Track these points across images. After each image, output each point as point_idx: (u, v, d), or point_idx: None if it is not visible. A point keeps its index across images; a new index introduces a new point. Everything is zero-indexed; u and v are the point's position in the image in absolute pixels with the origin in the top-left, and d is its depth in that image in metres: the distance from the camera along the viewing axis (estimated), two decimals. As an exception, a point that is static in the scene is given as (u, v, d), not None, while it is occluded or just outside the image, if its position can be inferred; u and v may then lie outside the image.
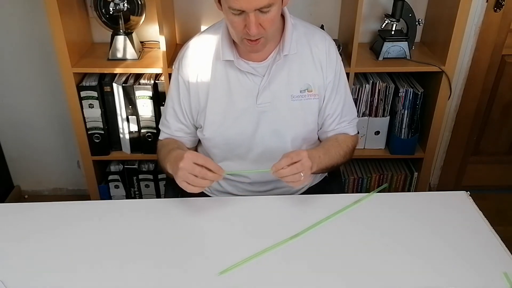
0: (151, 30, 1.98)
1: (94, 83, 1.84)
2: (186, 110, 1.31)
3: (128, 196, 2.15)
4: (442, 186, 2.45)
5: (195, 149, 1.43)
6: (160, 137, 1.38)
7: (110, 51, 1.85)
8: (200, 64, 1.27)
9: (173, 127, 1.34)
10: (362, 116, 1.96)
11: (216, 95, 1.26)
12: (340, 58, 1.33)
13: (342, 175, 2.09)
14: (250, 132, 1.28)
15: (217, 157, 1.34)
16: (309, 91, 1.27)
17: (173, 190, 1.50)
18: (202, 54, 1.27)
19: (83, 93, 1.85)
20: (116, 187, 2.12)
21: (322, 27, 1.89)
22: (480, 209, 1.17)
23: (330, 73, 1.28)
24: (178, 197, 1.43)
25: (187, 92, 1.29)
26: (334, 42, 1.32)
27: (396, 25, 1.89)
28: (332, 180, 1.52)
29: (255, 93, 1.25)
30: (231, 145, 1.30)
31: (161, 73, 1.84)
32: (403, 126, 1.97)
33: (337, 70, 1.30)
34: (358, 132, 1.42)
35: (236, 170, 1.30)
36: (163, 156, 1.27)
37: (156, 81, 1.86)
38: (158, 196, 2.15)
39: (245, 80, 1.25)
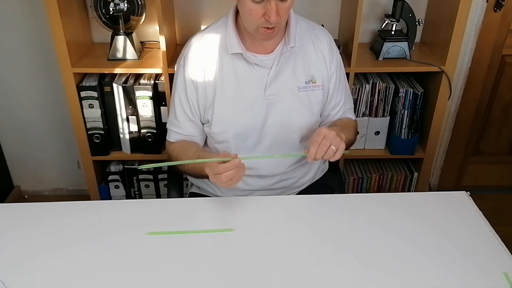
0: (151, 30, 1.98)
1: (94, 83, 1.84)
2: (194, 105, 1.31)
3: (128, 196, 2.15)
4: (442, 186, 2.45)
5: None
6: (171, 139, 1.36)
7: (110, 51, 1.85)
8: (206, 60, 1.28)
9: (184, 126, 1.33)
10: (362, 116, 1.96)
11: (224, 89, 1.27)
12: (339, 51, 1.39)
13: (342, 175, 2.09)
14: (259, 124, 1.30)
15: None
16: (314, 82, 1.31)
17: (176, 191, 1.51)
18: (208, 50, 1.28)
19: (83, 93, 1.85)
20: (116, 187, 2.12)
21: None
22: (480, 209, 1.17)
23: (333, 65, 1.33)
24: (180, 197, 1.43)
25: (194, 88, 1.29)
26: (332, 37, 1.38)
27: (396, 25, 1.89)
28: (332, 175, 1.56)
29: (263, 85, 1.27)
30: (241, 138, 1.31)
31: (161, 73, 1.84)
32: (403, 126, 1.97)
33: (338, 62, 1.36)
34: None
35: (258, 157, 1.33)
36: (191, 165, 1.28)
37: (156, 81, 1.86)
38: (158, 196, 2.15)
39: (253, 73, 1.27)
